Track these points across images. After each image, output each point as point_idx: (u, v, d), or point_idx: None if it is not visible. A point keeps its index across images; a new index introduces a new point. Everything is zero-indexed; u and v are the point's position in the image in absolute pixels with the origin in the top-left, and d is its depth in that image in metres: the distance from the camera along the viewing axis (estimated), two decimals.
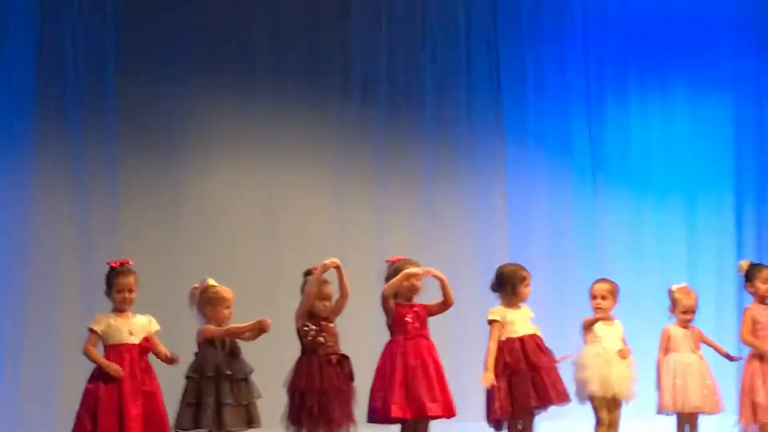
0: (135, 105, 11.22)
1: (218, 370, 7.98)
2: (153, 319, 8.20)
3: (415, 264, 8.44)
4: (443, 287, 8.43)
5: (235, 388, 7.99)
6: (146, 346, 8.09)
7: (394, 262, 8.56)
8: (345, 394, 8.16)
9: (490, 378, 8.22)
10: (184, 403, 8.00)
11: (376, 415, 8.25)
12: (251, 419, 8.05)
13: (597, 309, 8.63)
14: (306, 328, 8.22)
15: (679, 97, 11.95)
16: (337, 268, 8.22)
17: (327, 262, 8.20)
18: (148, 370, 8.06)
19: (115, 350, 8.00)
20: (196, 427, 7.95)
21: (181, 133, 11.36)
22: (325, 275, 8.27)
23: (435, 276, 8.43)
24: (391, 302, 8.36)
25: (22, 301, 10.89)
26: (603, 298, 8.62)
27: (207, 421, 7.91)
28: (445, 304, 8.46)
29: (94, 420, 7.89)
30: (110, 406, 7.88)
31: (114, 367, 7.92)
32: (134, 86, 11.12)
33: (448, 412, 8.26)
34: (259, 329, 8.07)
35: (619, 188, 11.87)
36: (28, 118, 11.04)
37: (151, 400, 7.98)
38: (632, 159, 11.92)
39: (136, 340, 8.05)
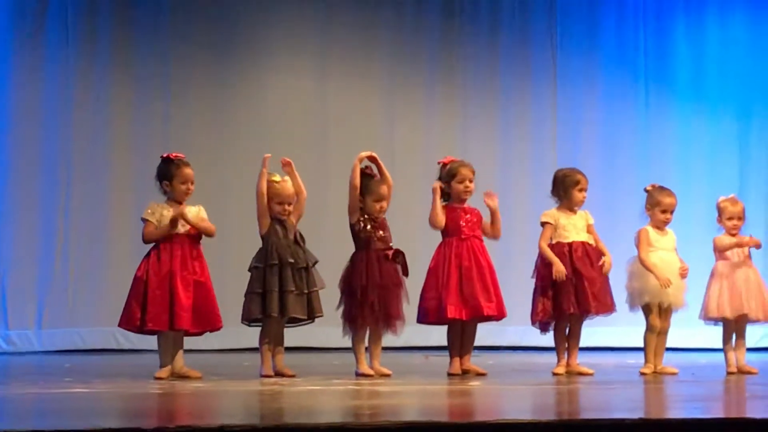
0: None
1: (282, 258, 7.95)
2: (203, 209, 8.07)
3: (468, 166, 8.30)
4: (494, 218, 8.28)
5: (297, 277, 7.97)
6: (196, 235, 7.97)
7: (446, 164, 8.36)
8: (400, 290, 8.11)
9: (560, 270, 8.12)
10: (250, 293, 7.97)
11: (429, 316, 8.19)
12: (313, 309, 8.00)
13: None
14: (362, 223, 8.13)
15: (738, 10, 11.80)
16: (373, 158, 8.10)
17: (361, 154, 8.10)
18: (200, 260, 7.96)
19: (166, 240, 7.90)
20: (264, 314, 7.91)
21: (234, 32, 11.34)
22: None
23: (488, 205, 8.26)
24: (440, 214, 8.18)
25: (72, 195, 11.01)
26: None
27: (271, 307, 7.86)
28: (494, 236, 8.33)
29: (143, 308, 7.83)
30: (161, 294, 7.81)
31: (175, 211, 7.86)
32: None
33: (501, 313, 8.23)
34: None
35: (671, 100, 11.77)
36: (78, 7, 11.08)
37: (202, 289, 7.91)
38: (687, 72, 11.80)
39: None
